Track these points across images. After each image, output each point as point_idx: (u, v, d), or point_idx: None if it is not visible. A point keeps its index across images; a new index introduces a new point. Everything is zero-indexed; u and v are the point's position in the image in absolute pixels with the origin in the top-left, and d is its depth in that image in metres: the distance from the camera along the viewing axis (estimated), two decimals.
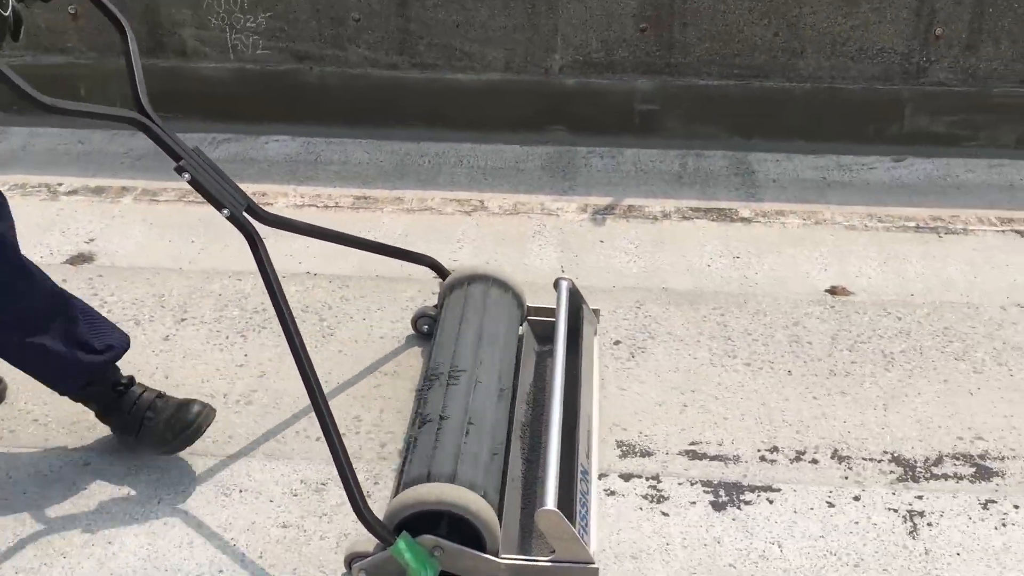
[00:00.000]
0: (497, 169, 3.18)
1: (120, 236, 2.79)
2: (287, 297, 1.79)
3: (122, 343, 1.97)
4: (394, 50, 3.27)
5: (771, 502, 1.90)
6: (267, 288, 1.77)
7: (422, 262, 2.36)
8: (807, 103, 3.25)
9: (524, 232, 2.83)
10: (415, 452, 1.80)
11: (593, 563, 1.68)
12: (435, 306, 2.35)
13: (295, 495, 1.92)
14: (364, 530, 1.66)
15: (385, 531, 1.67)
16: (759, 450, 2.03)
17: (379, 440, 2.06)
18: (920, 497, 1.93)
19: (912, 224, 2.88)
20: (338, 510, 1.88)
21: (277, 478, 1.95)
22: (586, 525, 1.74)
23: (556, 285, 2.23)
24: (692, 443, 2.05)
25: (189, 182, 1.74)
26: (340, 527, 1.85)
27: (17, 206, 1.93)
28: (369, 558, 1.71)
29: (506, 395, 1.97)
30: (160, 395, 1.99)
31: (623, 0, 3.12)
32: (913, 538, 1.82)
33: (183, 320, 2.43)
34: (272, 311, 1.99)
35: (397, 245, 2.38)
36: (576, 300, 2.23)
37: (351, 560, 1.73)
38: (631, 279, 2.60)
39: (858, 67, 3.18)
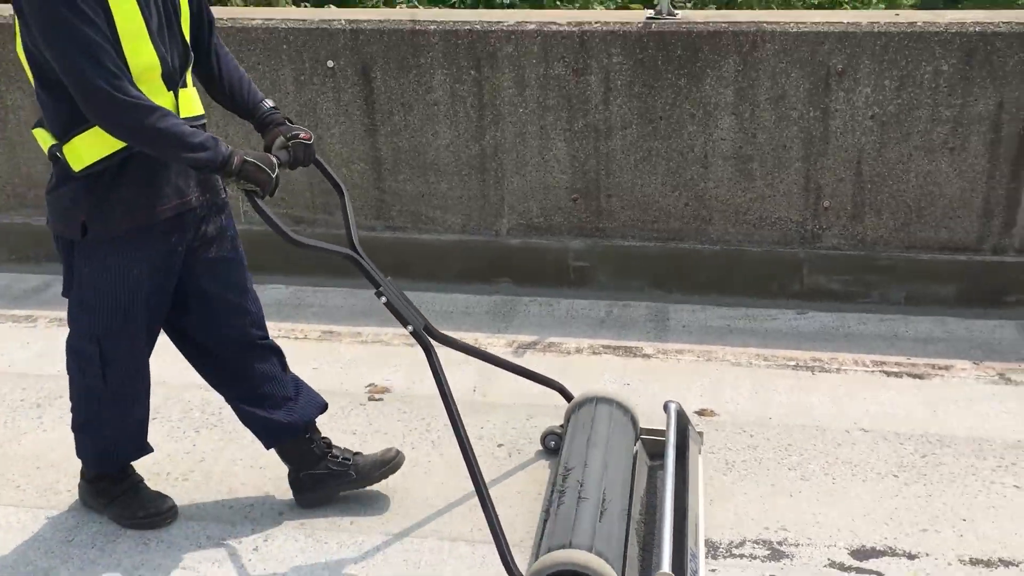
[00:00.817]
0: (448, 313, 3.74)
1: None
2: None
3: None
4: (371, 214, 3.94)
5: None
6: (438, 386, 2.32)
7: (552, 386, 2.81)
8: (718, 262, 3.75)
9: (453, 359, 3.35)
10: (556, 522, 2.17)
11: None
12: (561, 425, 2.74)
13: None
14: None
15: None
16: None
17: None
18: (714, 571, 2.27)
19: (792, 364, 3.29)
20: None
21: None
22: (695, 555, 2.15)
23: (665, 408, 2.63)
24: None
25: (385, 304, 2.38)
26: None
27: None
28: None
29: (627, 493, 2.34)
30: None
31: (558, 175, 3.75)
32: None
33: (154, 419, 2.98)
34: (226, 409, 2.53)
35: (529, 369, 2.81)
36: (683, 420, 2.63)
37: None
38: (530, 397, 3.06)
39: (760, 232, 3.70)
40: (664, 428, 2.56)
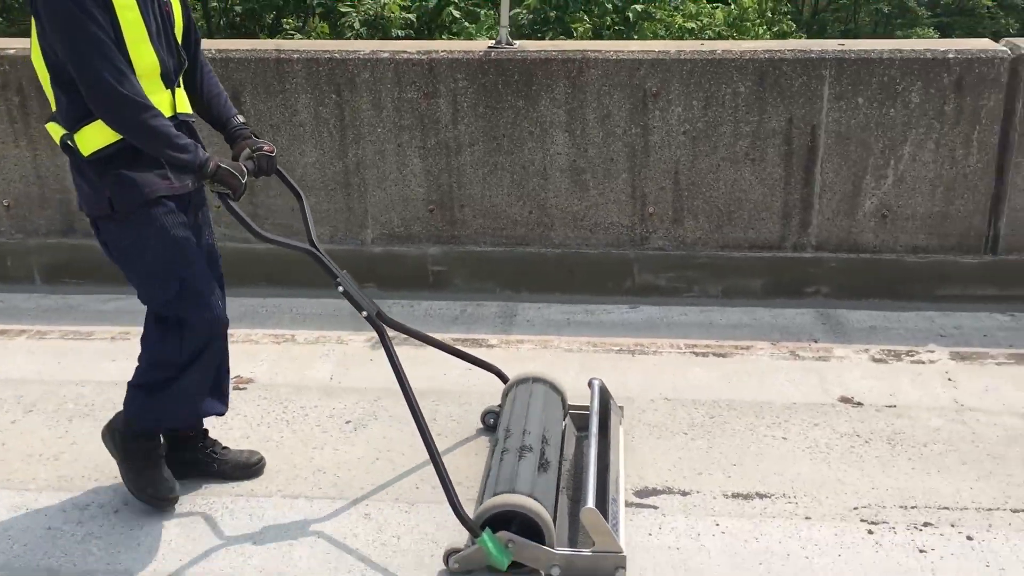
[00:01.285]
0: (317, 315, 4.09)
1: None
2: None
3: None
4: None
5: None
6: (391, 362, 2.63)
7: (490, 369, 3.16)
8: (559, 264, 4.20)
9: (316, 353, 3.71)
10: (499, 474, 2.53)
11: (623, 552, 2.38)
12: (499, 405, 3.08)
13: None
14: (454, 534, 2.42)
15: (475, 527, 2.40)
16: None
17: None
18: None
19: (617, 349, 3.74)
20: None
21: None
22: (616, 528, 2.47)
23: (589, 384, 3.01)
24: None
25: (342, 293, 2.66)
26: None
27: None
28: (461, 552, 2.42)
29: (556, 456, 2.70)
30: None
31: (415, 188, 4.15)
32: None
33: (30, 411, 3.26)
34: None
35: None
36: (605, 395, 3.02)
37: (448, 555, 2.43)
38: (381, 382, 3.43)
39: (595, 236, 4.16)
40: (588, 404, 2.95)
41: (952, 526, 2.60)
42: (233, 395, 3.40)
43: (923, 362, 3.58)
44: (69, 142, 2.47)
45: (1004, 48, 3.83)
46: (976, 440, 3.03)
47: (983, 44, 3.91)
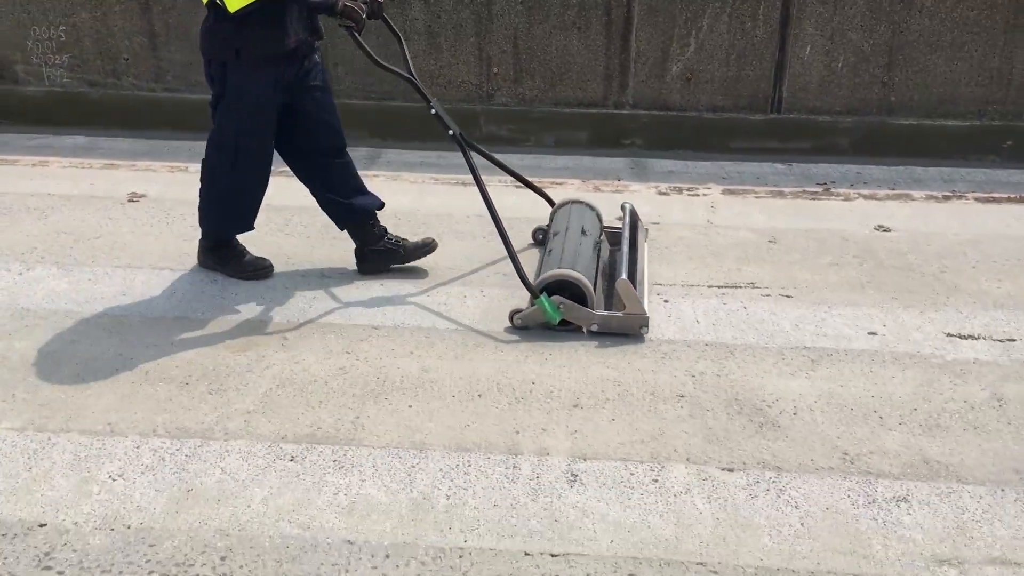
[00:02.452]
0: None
1: None
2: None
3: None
4: (151, 78, 4.95)
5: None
6: (471, 170, 3.34)
7: (541, 193, 3.88)
8: (418, 116, 4.91)
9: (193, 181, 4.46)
10: (549, 260, 3.29)
11: (646, 314, 3.11)
12: (547, 224, 3.75)
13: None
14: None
15: (535, 290, 3.13)
16: None
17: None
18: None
19: (454, 182, 4.51)
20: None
21: None
22: (642, 297, 3.21)
23: (622, 207, 3.73)
24: None
25: (434, 115, 3.40)
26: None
27: None
28: (523, 311, 3.16)
29: (596, 251, 3.45)
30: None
31: None
32: None
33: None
34: None
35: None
36: (635, 217, 3.72)
37: (513, 314, 3.17)
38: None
39: (448, 93, 4.88)
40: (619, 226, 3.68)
41: (659, 295, 3.44)
42: (128, 207, 4.16)
43: (697, 195, 4.39)
44: (218, 1, 3.11)
45: None
46: (708, 245, 3.86)
47: None
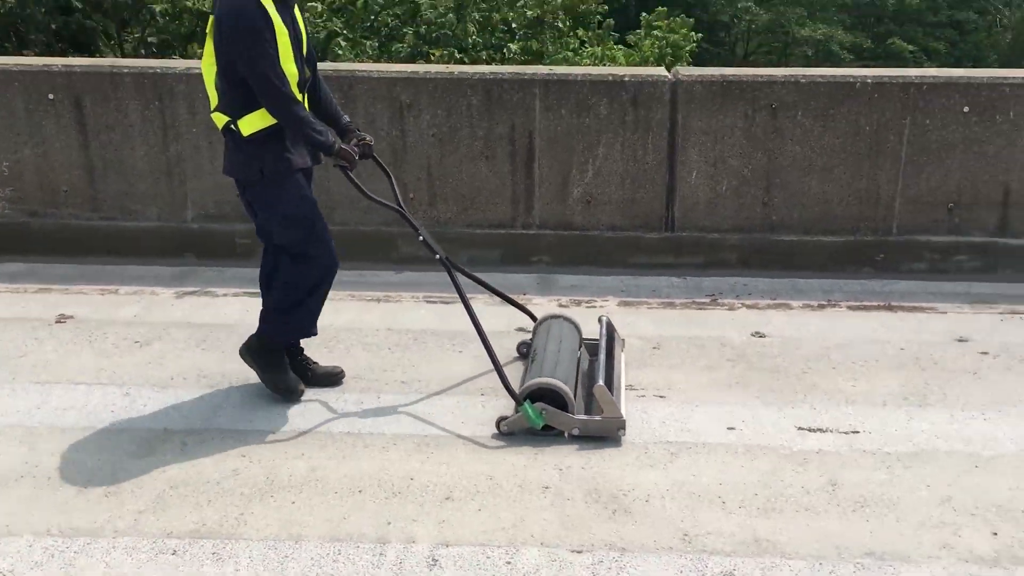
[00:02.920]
0: (139, 277, 5.11)
1: None
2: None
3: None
4: (88, 208, 5.30)
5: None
6: (456, 290, 3.66)
7: (524, 310, 4.19)
8: (340, 238, 5.28)
9: (121, 302, 4.74)
10: (532, 370, 3.55)
11: (623, 417, 3.37)
12: (531, 338, 4.01)
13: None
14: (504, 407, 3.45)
15: (519, 398, 3.39)
16: None
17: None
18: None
19: (369, 298, 4.82)
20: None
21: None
22: (619, 402, 3.46)
23: (599, 320, 4.02)
24: None
25: (422, 241, 3.76)
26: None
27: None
28: (508, 418, 3.41)
29: (576, 361, 3.72)
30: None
31: (226, 177, 5.20)
32: None
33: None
34: None
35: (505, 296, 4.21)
36: (611, 329, 4.02)
37: (499, 421, 3.42)
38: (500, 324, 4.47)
39: (370, 217, 5.25)
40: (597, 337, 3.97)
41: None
42: (55, 327, 4.42)
43: (594, 307, 4.73)
44: (232, 126, 3.44)
45: (667, 74, 5.04)
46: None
47: (653, 71, 5.13)
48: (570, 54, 17.61)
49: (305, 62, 3.58)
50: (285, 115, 3.41)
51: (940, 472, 3.19)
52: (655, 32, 20.50)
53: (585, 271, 5.20)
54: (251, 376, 3.87)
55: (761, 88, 4.97)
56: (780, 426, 3.51)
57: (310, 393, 3.77)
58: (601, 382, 3.44)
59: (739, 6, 39.78)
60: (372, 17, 10.56)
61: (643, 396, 3.76)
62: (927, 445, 3.37)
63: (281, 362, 3.75)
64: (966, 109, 4.90)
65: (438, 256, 3.80)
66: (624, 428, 3.39)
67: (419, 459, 3.27)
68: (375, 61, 12.82)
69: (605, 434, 3.40)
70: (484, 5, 10.76)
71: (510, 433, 3.43)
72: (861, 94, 4.94)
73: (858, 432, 3.46)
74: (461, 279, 3.82)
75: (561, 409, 3.39)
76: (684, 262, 5.22)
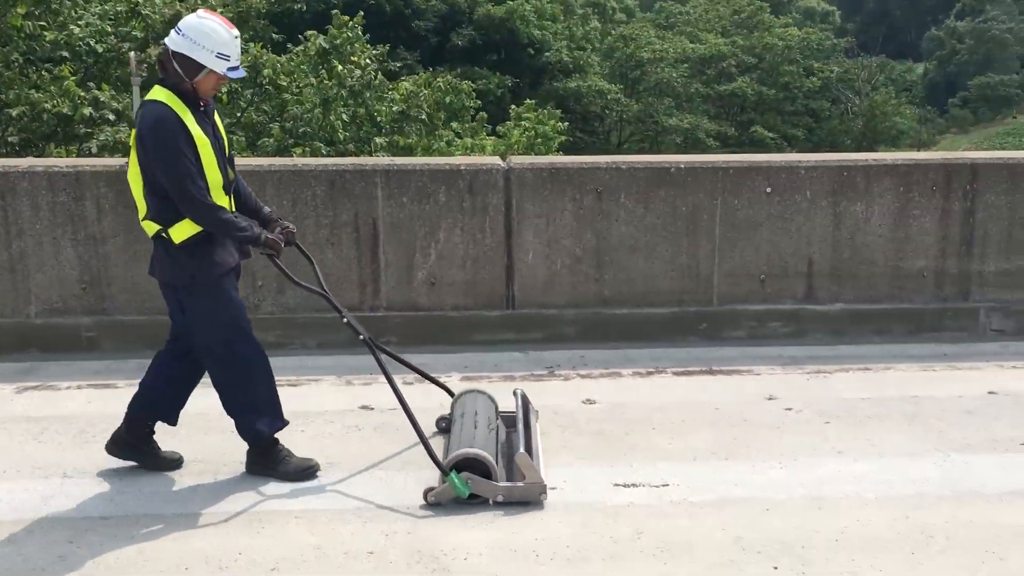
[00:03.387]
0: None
1: None
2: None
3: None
4: None
5: None
6: (380, 367, 3.91)
7: (442, 387, 4.41)
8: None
9: (13, 371, 4.69)
10: (458, 440, 3.73)
11: (544, 483, 3.56)
12: (449, 413, 4.19)
13: None
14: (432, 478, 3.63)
15: (446, 469, 3.53)
16: None
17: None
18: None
19: None
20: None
21: None
22: (539, 468, 3.64)
23: (514, 393, 4.21)
24: None
25: (346, 323, 4.00)
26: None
27: None
28: (435, 489, 3.54)
29: (495, 432, 3.91)
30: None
31: (68, 271, 5.26)
32: None
33: None
34: None
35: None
36: (526, 400, 4.21)
37: (426, 492, 3.56)
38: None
39: None
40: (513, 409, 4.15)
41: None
42: None
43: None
44: (163, 234, 3.62)
45: (500, 162, 5.42)
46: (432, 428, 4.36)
47: (487, 160, 5.50)
48: (444, 145, 18.23)
49: (228, 164, 3.80)
50: (209, 223, 3.62)
51: (736, 517, 3.49)
52: (523, 123, 21.37)
53: (431, 350, 5.42)
54: (88, 466, 3.89)
55: (586, 174, 5.40)
56: (599, 483, 3.77)
57: (145, 479, 3.82)
58: (522, 450, 3.68)
59: (608, 98, 41.89)
60: (238, 113, 10.79)
61: None
62: (727, 493, 3.69)
63: (280, 453, 3.87)
64: (768, 190, 5.45)
65: (361, 336, 4.01)
66: (546, 492, 3.60)
67: (249, 534, 3.37)
68: (241, 156, 13.01)
69: (528, 499, 3.59)
70: (352, 101, 11.16)
71: (437, 503, 3.60)
72: (676, 178, 5.43)
73: (668, 485, 3.75)
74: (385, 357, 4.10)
75: (485, 477, 3.58)
76: (525, 338, 5.51)
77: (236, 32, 3.65)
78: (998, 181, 5.50)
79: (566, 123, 27.39)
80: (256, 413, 3.83)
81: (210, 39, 3.54)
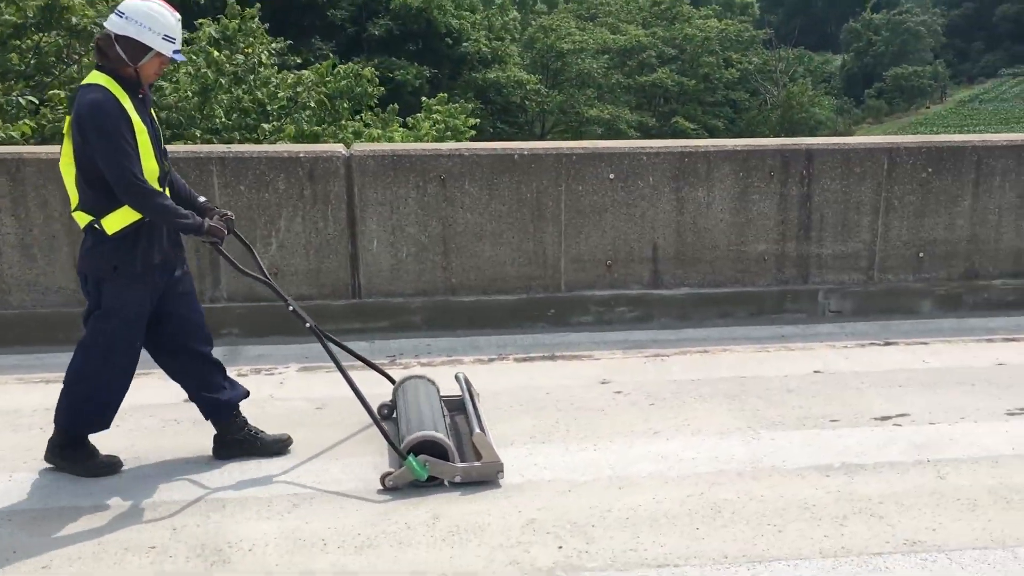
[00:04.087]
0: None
1: None
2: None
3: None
4: None
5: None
6: (328, 354, 3.91)
7: (382, 372, 4.35)
8: (14, 321, 5.18)
9: None
10: (408, 426, 3.75)
11: (501, 462, 3.62)
12: (391, 400, 4.20)
13: None
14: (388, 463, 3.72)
15: (403, 452, 3.55)
16: None
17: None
18: None
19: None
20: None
21: None
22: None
23: (456, 377, 4.28)
24: None
25: (291, 311, 3.91)
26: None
27: None
28: (393, 473, 3.56)
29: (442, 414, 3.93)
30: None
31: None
32: None
33: None
34: None
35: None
36: (468, 383, 4.26)
37: (384, 477, 3.56)
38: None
39: (47, 299, 5.19)
40: (454, 392, 4.25)
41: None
42: None
43: (273, 374, 4.88)
44: (96, 225, 3.50)
45: (342, 149, 5.36)
46: (261, 416, 4.29)
47: (328, 147, 5.44)
48: (351, 136, 18.02)
49: (163, 155, 3.67)
50: (151, 209, 3.51)
51: (535, 499, 3.52)
52: (434, 115, 21.28)
53: (273, 341, 5.34)
54: None
55: (429, 161, 5.37)
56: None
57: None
58: (478, 430, 3.73)
59: (527, 88, 41.93)
60: None
61: (291, 454, 3.92)
62: (535, 476, 3.71)
63: (85, 449, 3.76)
64: (611, 176, 5.50)
65: (308, 324, 3.94)
66: (503, 471, 3.64)
67: (28, 532, 3.26)
68: None
69: (486, 478, 3.63)
70: (234, 89, 10.91)
71: (395, 488, 3.57)
72: (520, 165, 5.44)
73: None
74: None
75: (442, 459, 3.59)
76: (371, 327, 5.47)
77: (178, 15, 3.59)
78: (833, 166, 5.64)
79: (479, 118, 27.26)
80: (88, 407, 3.72)
81: (157, 22, 3.48)
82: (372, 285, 5.46)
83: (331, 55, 37.41)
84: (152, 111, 3.72)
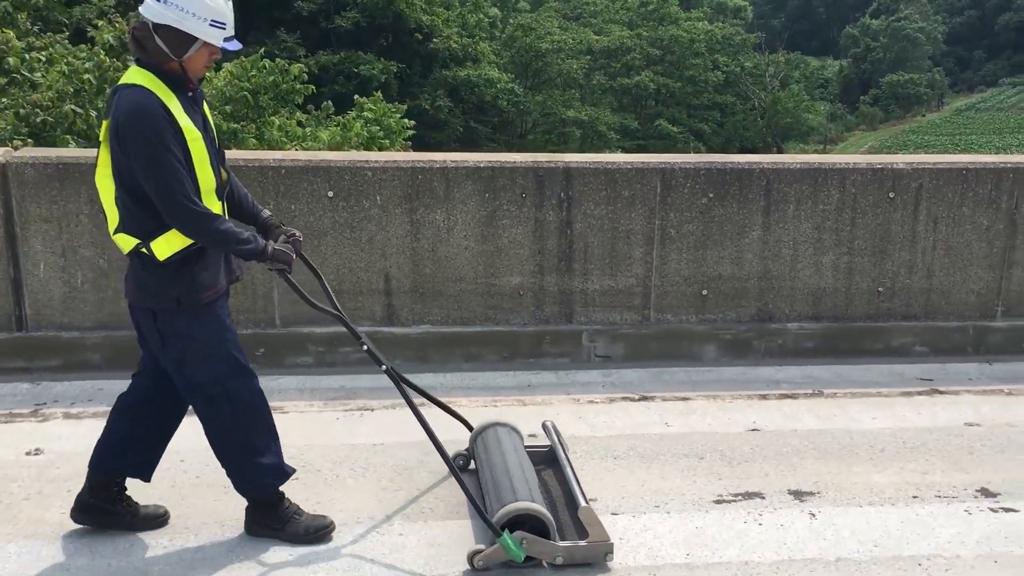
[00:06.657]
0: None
1: None
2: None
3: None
4: None
5: None
6: (407, 402, 3.27)
7: (459, 418, 3.73)
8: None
9: None
10: (497, 491, 3.12)
11: (611, 540, 3.03)
12: (467, 448, 3.62)
13: None
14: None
15: (497, 528, 2.94)
16: None
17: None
18: None
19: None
20: None
21: None
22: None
23: (543, 426, 3.72)
24: None
25: (366, 351, 3.25)
26: None
27: None
28: (484, 551, 2.95)
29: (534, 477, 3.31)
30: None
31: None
32: None
33: None
34: None
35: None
36: (557, 432, 3.67)
37: (472, 556, 2.96)
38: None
39: None
40: (542, 442, 3.72)
41: None
42: None
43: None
44: (143, 250, 2.88)
45: None
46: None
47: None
48: (276, 134, 17.20)
49: (220, 162, 3.06)
50: (203, 235, 2.92)
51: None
52: (366, 114, 20.48)
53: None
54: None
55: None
56: None
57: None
58: (584, 503, 3.11)
59: (499, 87, 41.02)
60: None
61: None
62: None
63: (288, 511, 3.20)
64: (331, 194, 4.65)
65: (384, 367, 3.30)
66: (612, 552, 3.07)
67: None
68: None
69: (592, 560, 3.05)
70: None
71: (485, 568, 2.99)
72: None
73: None
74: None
75: (542, 536, 2.99)
76: (39, 365, 4.64)
77: None
78: (596, 188, 4.79)
79: (449, 117, 26.37)
80: (257, 463, 3.12)
81: (202, 5, 2.85)
82: (42, 316, 4.62)
83: (297, 47, 36.66)
84: (205, 109, 3.06)
